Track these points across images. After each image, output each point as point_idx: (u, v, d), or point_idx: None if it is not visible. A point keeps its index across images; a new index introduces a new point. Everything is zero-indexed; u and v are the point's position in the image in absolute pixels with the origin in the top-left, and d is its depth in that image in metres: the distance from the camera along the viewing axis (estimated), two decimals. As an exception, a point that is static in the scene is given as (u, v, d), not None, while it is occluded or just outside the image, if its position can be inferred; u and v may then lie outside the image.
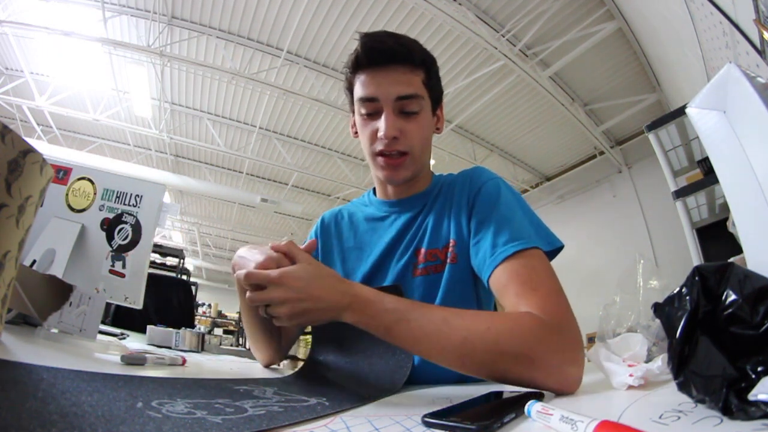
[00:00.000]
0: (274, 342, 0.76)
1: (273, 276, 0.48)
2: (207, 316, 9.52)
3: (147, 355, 0.63)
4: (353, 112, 0.75)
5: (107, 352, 0.69)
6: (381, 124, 0.66)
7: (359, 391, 0.53)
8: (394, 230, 0.76)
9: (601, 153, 5.58)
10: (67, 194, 1.01)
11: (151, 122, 5.52)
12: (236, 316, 9.45)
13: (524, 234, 0.59)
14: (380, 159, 0.70)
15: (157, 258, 5.44)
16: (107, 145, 6.72)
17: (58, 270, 0.89)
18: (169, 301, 2.24)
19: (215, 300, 10.58)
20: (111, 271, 0.98)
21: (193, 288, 4.17)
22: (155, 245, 4.96)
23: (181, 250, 5.76)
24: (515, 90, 4.83)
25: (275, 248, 0.52)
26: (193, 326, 2.37)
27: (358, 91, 0.69)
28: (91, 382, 0.37)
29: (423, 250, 0.72)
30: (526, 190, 6.69)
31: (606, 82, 4.70)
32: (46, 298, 0.66)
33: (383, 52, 0.66)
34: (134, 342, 1.09)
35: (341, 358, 0.68)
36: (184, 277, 5.07)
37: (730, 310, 0.29)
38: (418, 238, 0.74)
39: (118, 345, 0.81)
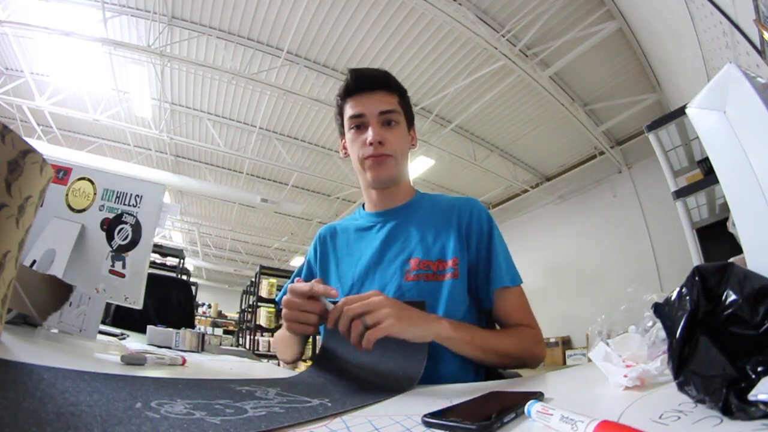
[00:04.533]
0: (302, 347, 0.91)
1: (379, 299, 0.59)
2: (207, 316, 9.51)
3: (147, 355, 0.63)
4: (343, 136, 0.90)
5: (107, 352, 0.69)
6: (368, 133, 0.82)
7: (370, 390, 0.53)
8: (381, 237, 0.87)
9: (601, 153, 5.58)
10: (67, 194, 1.01)
11: (151, 122, 5.51)
12: (236, 316, 9.45)
13: (512, 271, 0.81)
14: (368, 161, 0.83)
15: (157, 258, 5.45)
16: (107, 145, 6.72)
17: (58, 270, 0.89)
18: (169, 301, 2.23)
19: (215, 300, 10.58)
20: (111, 271, 0.98)
21: (193, 288, 4.16)
22: (155, 245, 4.96)
23: (181, 250, 5.76)
24: (515, 90, 4.83)
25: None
26: (193, 326, 2.37)
27: (348, 111, 0.85)
28: (91, 382, 0.37)
29: (417, 260, 0.81)
30: (526, 190, 6.69)
31: (606, 82, 4.70)
32: (46, 298, 0.66)
33: (367, 78, 0.84)
34: (134, 342, 1.09)
35: (354, 357, 0.68)
36: (184, 277, 5.07)
37: (730, 310, 0.29)
38: (410, 247, 0.83)
39: (118, 345, 0.81)
